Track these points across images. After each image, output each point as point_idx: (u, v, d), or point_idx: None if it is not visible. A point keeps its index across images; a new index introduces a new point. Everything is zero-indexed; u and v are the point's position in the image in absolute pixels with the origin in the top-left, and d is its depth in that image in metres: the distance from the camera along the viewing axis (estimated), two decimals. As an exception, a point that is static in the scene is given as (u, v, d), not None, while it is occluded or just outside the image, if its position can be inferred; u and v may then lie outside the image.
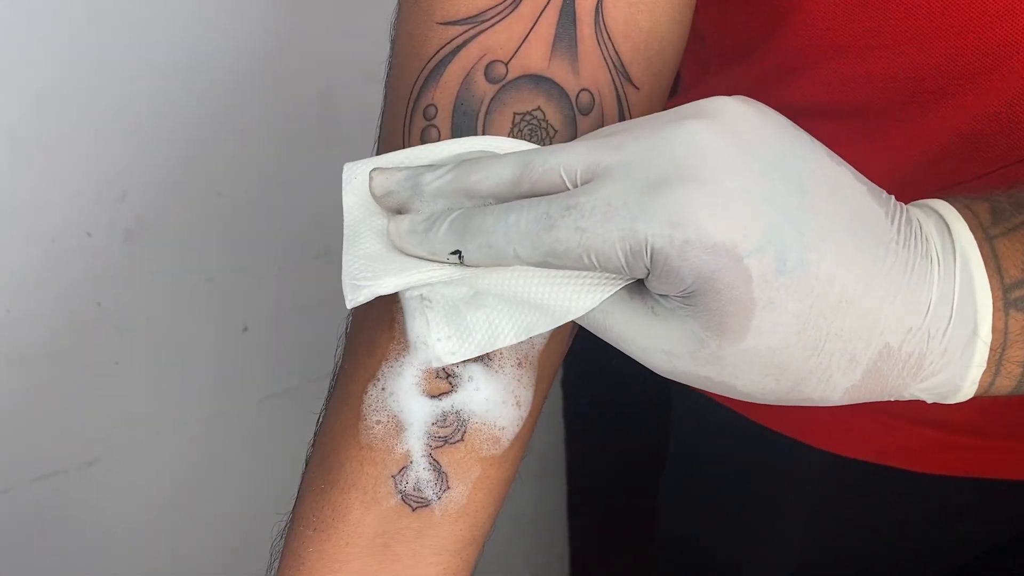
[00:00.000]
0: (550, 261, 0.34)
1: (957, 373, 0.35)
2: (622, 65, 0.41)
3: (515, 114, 0.40)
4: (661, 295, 0.34)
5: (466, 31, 0.40)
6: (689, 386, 0.68)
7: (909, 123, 0.50)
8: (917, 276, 0.34)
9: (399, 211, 0.38)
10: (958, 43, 0.46)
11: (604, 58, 0.41)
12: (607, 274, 0.36)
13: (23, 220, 0.70)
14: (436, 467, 0.40)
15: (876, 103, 0.50)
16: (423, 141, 0.41)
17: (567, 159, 0.35)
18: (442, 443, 0.39)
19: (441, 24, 0.41)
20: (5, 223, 0.69)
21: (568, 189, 0.35)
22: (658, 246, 0.32)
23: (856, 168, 0.53)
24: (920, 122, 0.49)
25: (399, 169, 0.38)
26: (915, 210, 0.37)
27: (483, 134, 0.40)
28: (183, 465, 0.85)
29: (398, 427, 0.40)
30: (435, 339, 0.38)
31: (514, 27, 0.40)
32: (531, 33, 0.40)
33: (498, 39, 0.40)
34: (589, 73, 0.41)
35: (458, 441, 0.40)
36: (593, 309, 0.36)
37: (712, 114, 0.34)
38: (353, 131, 0.83)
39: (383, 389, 0.40)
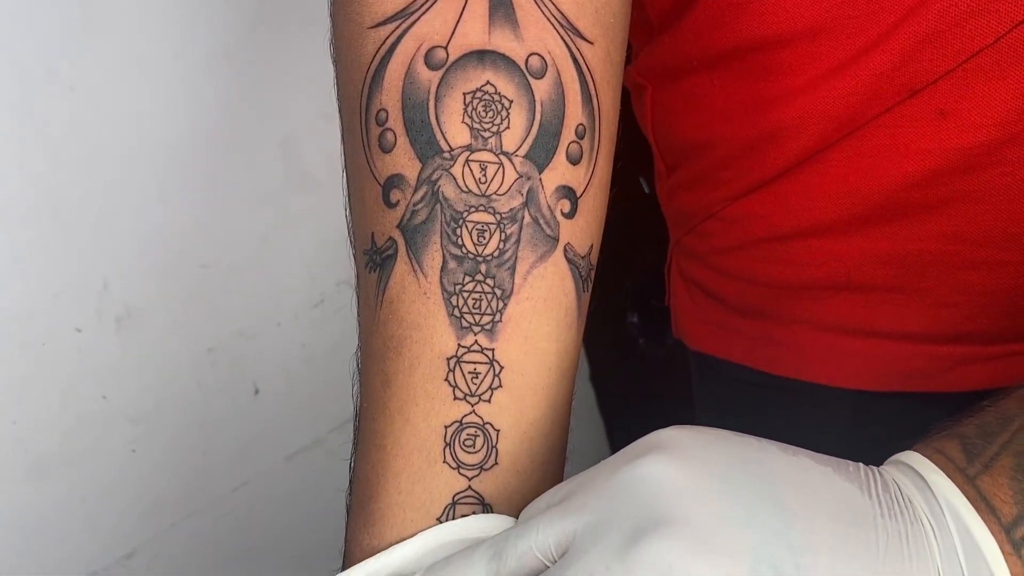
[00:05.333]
0: None
1: None
2: (568, 22, 0.41)
3: (464, 94, 0.39)
4: None
5: (397, 26, 0.40)
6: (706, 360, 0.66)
7: (861, 36, 0.49)
8: (915, 544, 0.33)
9: None
10: None
11: (547, 18, 0.40)
12: None
13: (10, 329, 0.69)
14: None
15: (826, 22, 0.49)
16: (382, 147, 0.40)
17: (538, 538, 0.33)
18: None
19: (372, 28, 0.40)
20: (-7, 337, 0.68)
21: (547, 567, 0.33)
22: None
23: (821, 87, 0.52)
24: (874, 32, 0.48)
25: None
26: (889, 470, 0.36)
27: (436, 121, 0.39)
28: (224, 540, 0.84)
29: None
30: None
31: (445, 10, 0.39)
32: (464, 11, 0.39)
33: (432, 26, 0.39)
34: (534, 36, 0.40)
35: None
36: None
37: (663, 446, 0.34)
38: (321, 173, 0.82)
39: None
